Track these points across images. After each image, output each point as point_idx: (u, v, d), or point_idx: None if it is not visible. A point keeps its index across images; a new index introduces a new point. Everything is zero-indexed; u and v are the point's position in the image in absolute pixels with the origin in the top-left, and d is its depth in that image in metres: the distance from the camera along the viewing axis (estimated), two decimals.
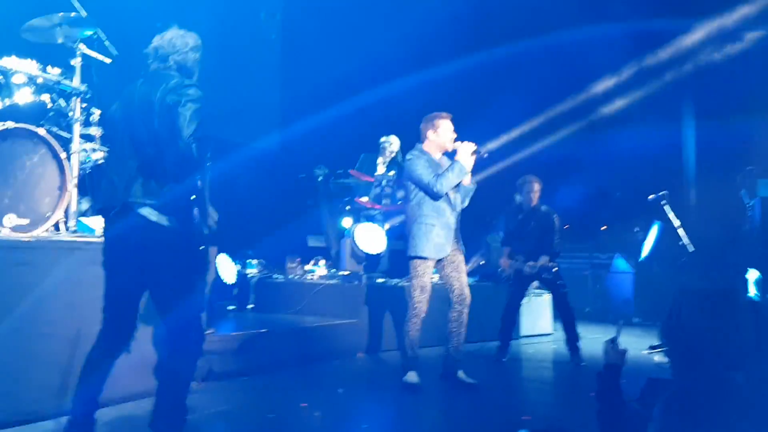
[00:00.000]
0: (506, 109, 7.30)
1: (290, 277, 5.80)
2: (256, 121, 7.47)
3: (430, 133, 4.01)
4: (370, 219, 6.31)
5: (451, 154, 4.03)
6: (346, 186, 6.49)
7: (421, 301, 3.88)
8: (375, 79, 7.50)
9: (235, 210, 6.20)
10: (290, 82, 8.03)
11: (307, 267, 5.99)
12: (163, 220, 2.47)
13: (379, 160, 6.46)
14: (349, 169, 6.37)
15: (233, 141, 6.68)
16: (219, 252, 5.36)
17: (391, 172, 6.30)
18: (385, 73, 7.56)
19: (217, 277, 5.24)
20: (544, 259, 4.98)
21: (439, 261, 3.98)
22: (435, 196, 3.91)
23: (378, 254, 5.80)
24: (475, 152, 3.92)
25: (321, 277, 5.80)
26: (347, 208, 6.40)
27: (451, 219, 3.99)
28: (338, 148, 7.38)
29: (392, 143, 6.28)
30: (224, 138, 6.35)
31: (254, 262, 5.92)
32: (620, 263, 7.97)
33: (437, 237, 3.92)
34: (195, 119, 2.46)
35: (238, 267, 5.69)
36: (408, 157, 4.01)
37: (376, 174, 6.32)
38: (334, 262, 6.23)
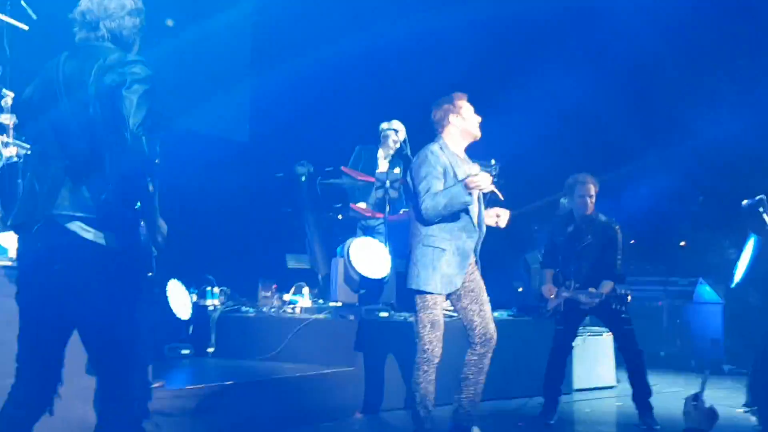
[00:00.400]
0: (542, 82, 7.28)
1: (264, 310, 5.79)
2: (220, 105, 7.47)
3: (452, 118, 4.05)
4: (370, 232, 6.30)
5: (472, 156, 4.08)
6: (337, 188, 6.49)
7: (432, 342, 3.88)
8: (372, 52, 7.53)
9: (192, 221, 6.37)
10: (263, 55, 8.06)
11: (287, 297, 5.97)
12: (99, 238, 2.52)
13: (380, 153, 6.50)
14: (341, 165, 6.37)
15: (189, 131, 6.74)
16: (170, 277, 5.40)
17: (397, 169, 6.32)
18: (384, 44, 7.56)
19: (168, 311, 5.27)
20: (607, 285, 4.93)
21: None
22: (419, 217, 3.92)
23: (381, 279, 5.75)
24: (490, 184, 3.91)
25: (305, 310, 5.78)
26: (339, 217, 6.39)
27: (469, 243, 3.98)
28: (326, 139, 7.43)
29: (398, 131, 6.30)
30: (178, 128, 6.41)
31: (216, 290, 5.92)
32: (705, 291, 7.95)
33: (447, 266, 3.92)
34: (144, 105, 2.53)
35: (195, 297, 5.70)
36: (423, 150, 4.01)
37: (377, 172, 6.35)
38: (321, 291, 6.20)
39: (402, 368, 5.07)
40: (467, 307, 3.98)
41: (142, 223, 2.63)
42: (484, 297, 4.04)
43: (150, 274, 2.64)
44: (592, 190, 5.04)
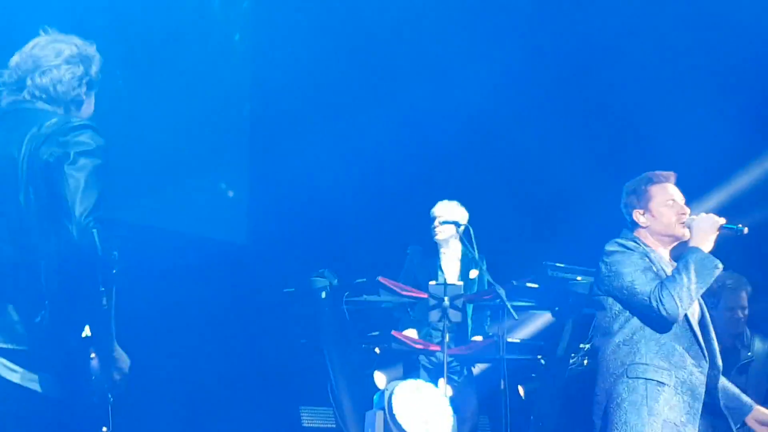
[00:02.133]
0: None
1: None
2: (207, 192, 7.67)
3: (638, 215, 4.13)
4: (436, 371, 6.22)
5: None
6: (372, 307, 6.44)
7: None
8: (422, 111, 7.77)
9: (164, 352, 6.44)
10: (266, 122, 8.39)
11: None
12: (30, 381, 2.48)
13: (444, 254, 6.62)
14: (378, 275, 6.29)
15: (161, 228, 6.84)
16: None
17: (474, 273, 6.41)
18: (442, 99, 7.82)
19: None
20: None
21: None
22: (660, 324, 3.87)
23: None
24: (723, 228, 3.97)
25: None
26: (376, 350, 6.34)
27: (698, 377, 3.88)
28: (359, 239, 7.64)
29: (454, 213, 6.46)
30: (146, 223, 6.44)
31: None
32: None
33: (669, 409, 3.80)
34: (94, 186, 2.52)
35: None
36: (608, 248, 4.06)
37: (429, 284, 6.25)
38: None
39: None
40: None
41: (92, 355, 2.55)
42: None
43: (104, 431, 2.54)
44: (746, 300, 5.22)
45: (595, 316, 5.74)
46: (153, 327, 6.03)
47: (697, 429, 3.87)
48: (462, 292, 6.10)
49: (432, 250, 6.71)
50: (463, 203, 6.64)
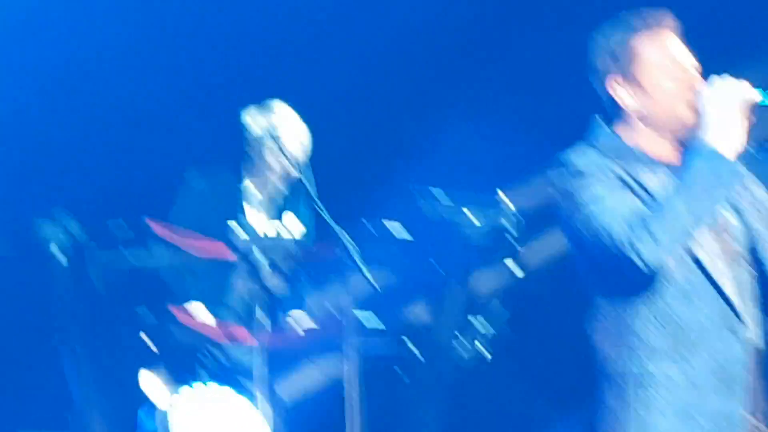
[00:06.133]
0: None
1: None
2: None
3: (617, 88, 3.29)
4: (214, 374, 5.32)
5: None
6: (138, 270, 5.66)
7: None
8: None
9: None
10: None
11: None
12: None
13: (248, 185, 5.71)
14: (145, 215, 5.44)
15: None
16: None
17: (288, 217, 5.64)
18: None
19: None
20: None
21: None
22: (643, 281, 3.23)
23: None
24: (759, 105, 3.15)
25: None
26: (143, 336, 5.46)
27: (729, 349, 3.24)
28: (112, 160, 6.62)
29: (280, 122, 5.49)
30: None
31: None
32: None
33: (680, 420, 3.17)
34: None
35: None
36: (556, 170, 3.34)
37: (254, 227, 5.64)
38: None
39: None
40: None
41: None
42: None
43: None
44: None
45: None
46: None
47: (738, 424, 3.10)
48: (291, 245, 5.26)
49: (228, 175, 5.67)
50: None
